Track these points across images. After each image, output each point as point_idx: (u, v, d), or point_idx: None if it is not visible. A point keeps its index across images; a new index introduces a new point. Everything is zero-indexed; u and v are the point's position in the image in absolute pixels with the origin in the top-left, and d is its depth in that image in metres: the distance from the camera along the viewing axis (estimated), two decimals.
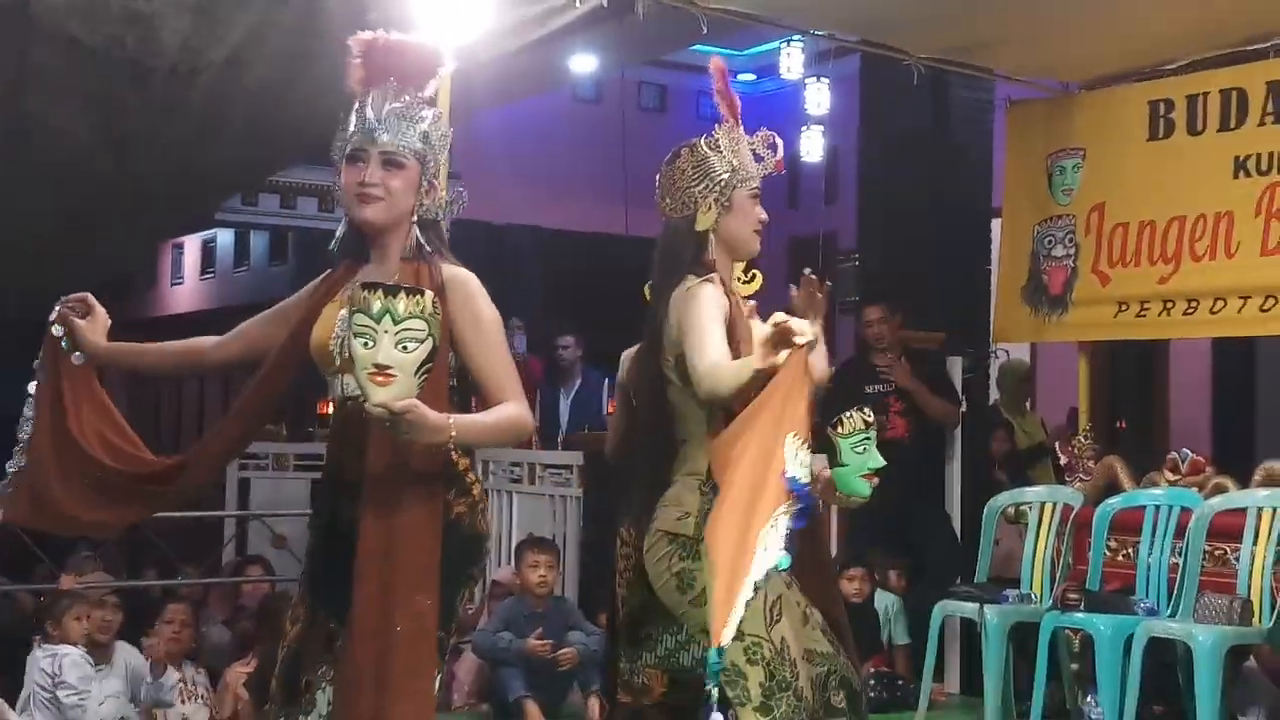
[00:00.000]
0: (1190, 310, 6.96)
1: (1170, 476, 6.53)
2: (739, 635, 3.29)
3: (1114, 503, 6.43)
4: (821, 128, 10.59)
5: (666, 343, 3.57)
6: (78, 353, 3.40)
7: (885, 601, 7.21)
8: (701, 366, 3.36)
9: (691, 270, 3.58)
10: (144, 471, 3.34)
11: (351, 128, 3.16)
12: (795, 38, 9.16)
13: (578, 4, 6.19)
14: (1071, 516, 6.50)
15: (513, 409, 3.06)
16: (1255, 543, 5.88)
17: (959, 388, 7.68)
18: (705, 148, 3.61)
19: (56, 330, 3.41)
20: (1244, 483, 6.27)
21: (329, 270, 3.30)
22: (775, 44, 9.76)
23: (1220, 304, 6.84)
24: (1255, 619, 5.72)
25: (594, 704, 6.42)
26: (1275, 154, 6.68)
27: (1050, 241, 7.53)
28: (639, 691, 4.27)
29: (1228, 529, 5.98)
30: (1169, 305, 7.06)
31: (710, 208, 3.59)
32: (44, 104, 6.17)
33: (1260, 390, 9.95)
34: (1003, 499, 6.96)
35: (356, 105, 3.18)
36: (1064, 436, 7.75)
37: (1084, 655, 6.11)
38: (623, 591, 4.33)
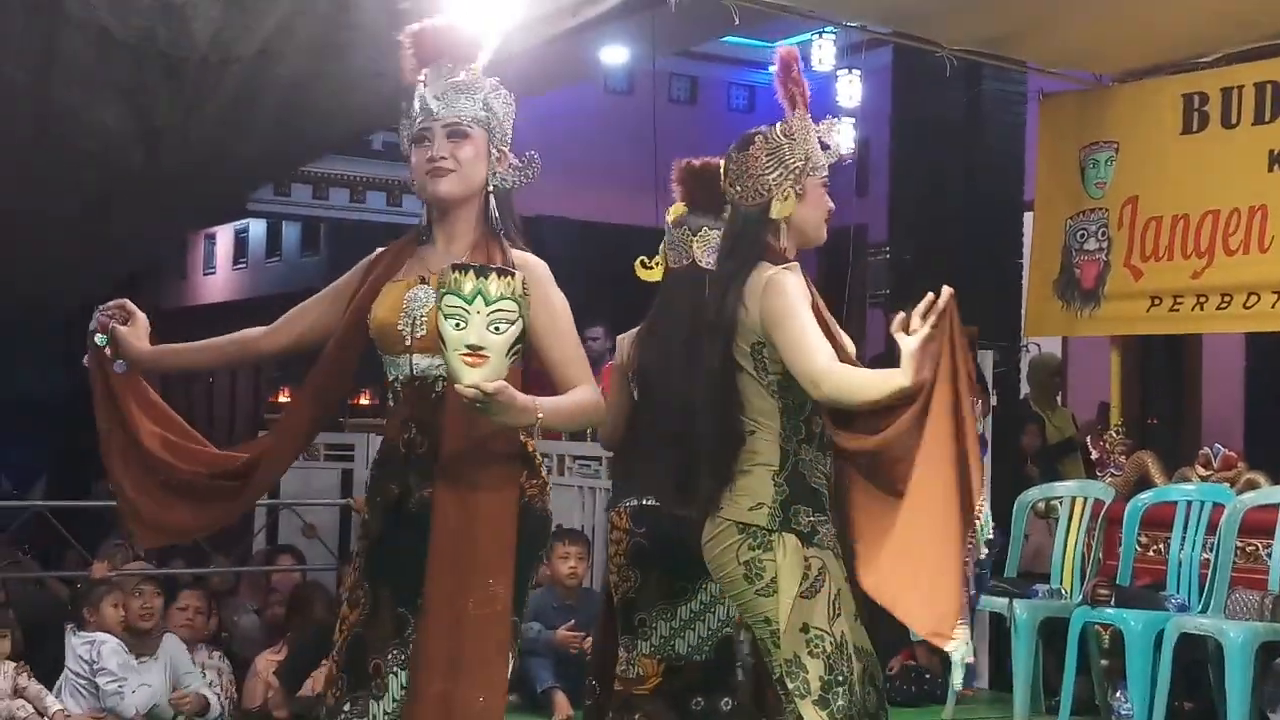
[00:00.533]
0: (1224, 305, 6.92)
1: (1202, 472, 6.49)
2: (804, 628, 3.39)
3: (1145, 498, 6.40)
4: (853, 120, 10.51)
5: (741, 330, 3.52)
6: (120, 361, 3.33)
7: None
8: (817, 366, 3.36)
9: (766, 258, 3.55)
10: (218, 470, 3.31)
11: (411, 113, 3.20)
12: (827, 29, 9.11)
13: None
14: (1102, 512, 6.47)
15: (589, 393, 3.11)
16: None
17: (989, 382, 7.64)
18: (780, 135, 3.60)
19: (99, 339, 3.34)
20: (1276, 478, 6.24)
21: (381, 249, 3.30)
22: (806, 36, 9.70)
23: (1254, 299, 6.80)
24: None
25: None
26: None
27: (1083, 235, 7.49)
28: (633, 680, 4.27)
29: (1260, 525, 5.95)
30: (1202, 300, 7.02)
31: (788, 195, 3.57)
32: (75, 95, 6.18)
33: None
34: (1033, 494, 6.93)
35: (415, 91, 3.21)
36: (1095, 431, 7.71)
37: (1114, 651, 6.08)
38: (614, 578, 4.39)
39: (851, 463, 3.45)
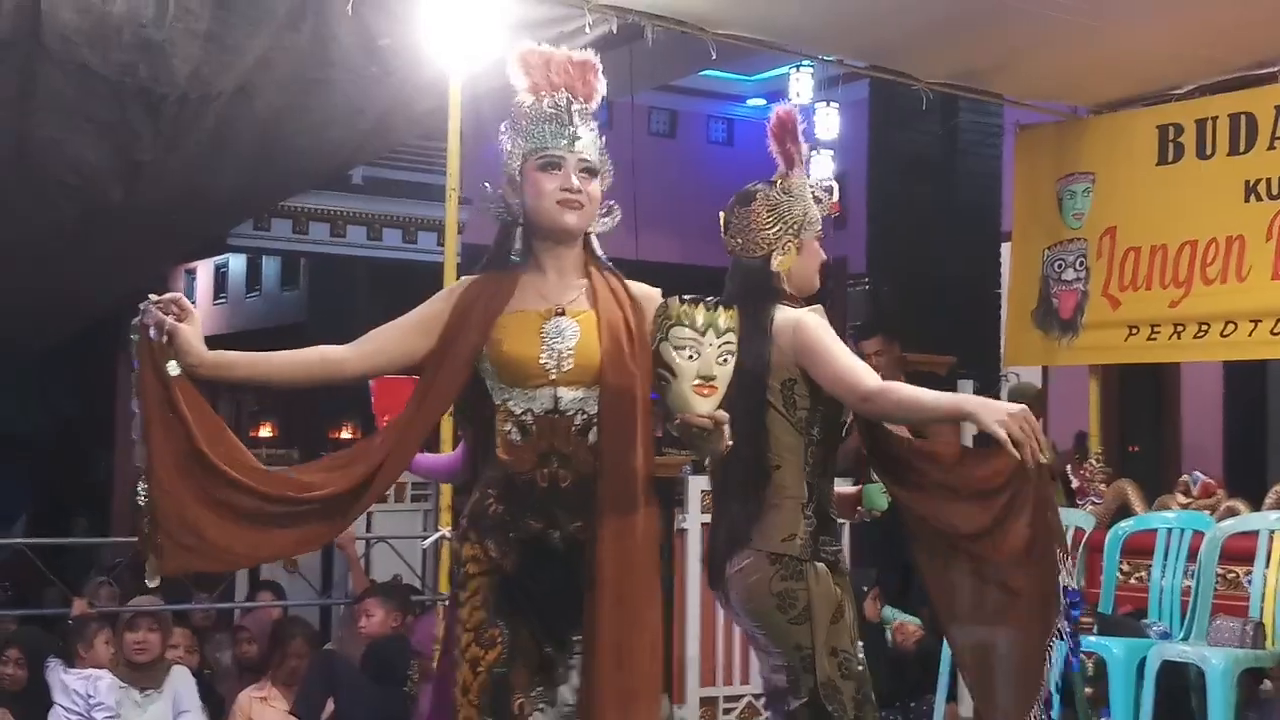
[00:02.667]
0: (1201, 334, 6.95)
1: (1182, 499, 6.52)
2: (833, 652, 3.63)
3: (1126, 526, 6.42)
4: (831, 152, 10.56)
5: (773, 369, 3.72)
6: (173, 362, 3.05)
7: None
8: (871, 385, 3.56)
9: (782, 302, 3.78)
10: (311, 496, 3.08)
11: (537, 136, 3.19)
12: (804, 63, 9.16)
13: (587, 30, 6.22)
14: (1083, 540, 6.48)
15: None
16: (1268, 565, 5.87)
17: None
18: (780, 193, 3.80)
19: (152, 334, 3.05)
20: (1256, 505, 6.26)
21: (468, 279, 3.27)
22: (784, 69, 9.76)
23: (1231, 327, 6.83)
24: (1269, 642, 5.71)
25: None
26: None
27: (1061, 265, 7.52)
28: None
29: (1240, 552, 5.97)
30: (1180, 329, 7.05)
31: (788, 250, 3.80)
32: (55, 131, 6.20)
33: (1271, 413, 9.92)
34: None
35: (534, 114, 3.22)
36: (1074, 461, 7.73)
37: (1097, 679, 6.09)
38: None
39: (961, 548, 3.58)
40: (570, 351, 3.11)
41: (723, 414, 2.92)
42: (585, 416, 3.10)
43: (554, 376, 3.11)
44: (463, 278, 3.30)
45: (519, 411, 3.13)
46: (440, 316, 3.18)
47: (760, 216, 3.74)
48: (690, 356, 2.89)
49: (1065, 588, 3.33)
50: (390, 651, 6.07)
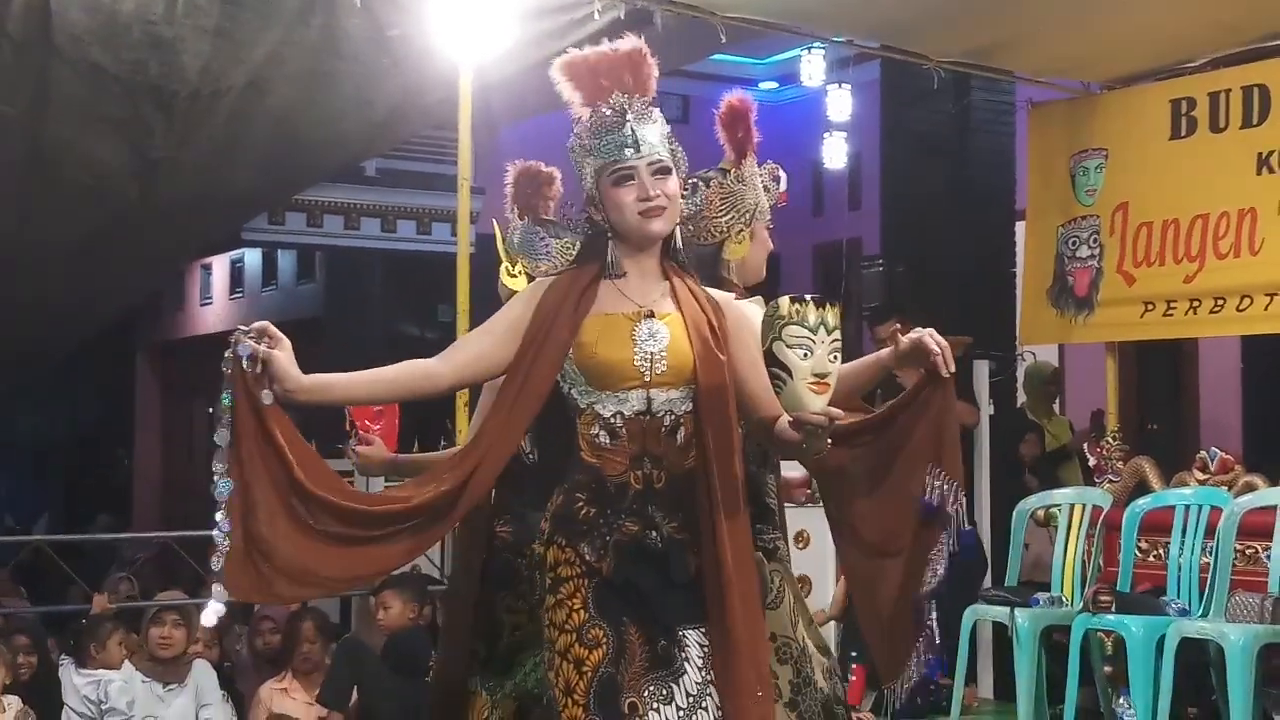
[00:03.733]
0: (1217, 309, 6.95)
1: (1199, 476, 6.51)
2: (771, 637, 3.50)
3: (1143, 503, 6.42)
4: (844, 134, 10.57)
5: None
6: (267, 391, 2.98)
7: None
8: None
9: (723, 290, 3.69)
10: (413, 506, 3.06)
11: (604, 151, 3.20)
12: (815, 45, 9.16)
13: (596, 16, 6.22)
14: (1101, 518, 6.48)
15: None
16: None
17: (986, 391, 7.66)
18: (733, 180, 3.70)
19: (246, 364, 2.98)
20: (1274, 480, 6.25)
21: (545, 281, 3.26)
22: (795, 51, 9.76)
23: (1247, 301, 6.82)
24: None
25: None
26: None
27: (1075, 242, 7.52)
28: None
29: (1258, 527, 5.96)
30: (1195, 304, 7.05)
31: (742, 240, 3.72)
32: (67, 130, 6.21)
33: None
34: (1031, 502, 6.95)
35: (595, 127, 3.22)
36: (1092, 438, 7.73)
37: (1116, 657, 6.09)
38: (514, 618, 4.01)
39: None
40: (663, 353, 3.13)
41: (835, 410, 2.96)
42: (674, 417, 3.13)
43: (648, 379, 3.13)
44: (538, 280, 3.29)
45: (608, 414, 3.14)
46: (522, 320, 3.17)
47: (713, 204, 3.64)
48: (804, 355, 2.92)
49: (934, 506, 3.18)
50: (411, 643, 6.09)
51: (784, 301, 2.94)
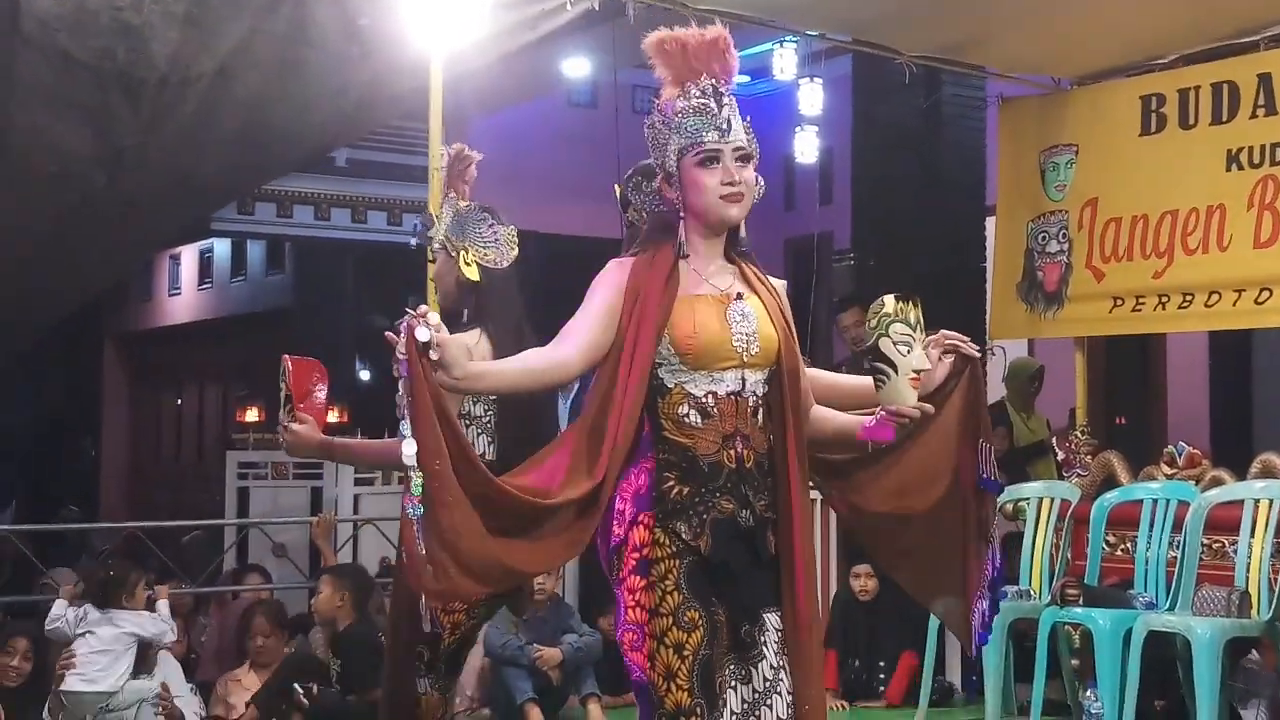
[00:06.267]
0: (1185, 304, 6.97)
1: (1167, 470, 6.53)
2: None
3: (1111, 497, 6.44)
4: (816, 128, 10.56)
5: None
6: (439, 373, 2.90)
7: None
8: None
9: None
10: (573, 497, 3.02)
11: (691, 131, 3.18)
12: (787, 39, 9.15)
13: (568, 7, 6.21)
14: (1069, 512, 6.50)
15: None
16: (1253, 534, 5.89)
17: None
18: None
19: (433, 354, 2.86)
20: (1240, 475, 6.27)
21: (624, 261, 3.21)
22: (768, 45, 9.73)
23: (1215, 297, 6.85)
24: (1254, 611, 5.73)
25: (594, 709, 6.46)
26: (1267, 146, 6.68)
27: (1044, 238, 7.54)
28: None
29: (1225, 521, 5.99)
30: (1164, 299, 7.07)
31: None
32: (35, 117, 6.18)
33: (1257, 383, 9.94)
34: (1000, 496, 6.95)
35: (683, 106, 3.20)
36: (1060, 433, 7.76)
37: (1084, 650, 6.11)
38: (451, 618, 3.90)
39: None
40: (755, 335, 3.17)
41: (929, 406, 3.13)
42: (757, 397, 3.17)
43: (744, 359, 3.16)
44: (613, 262, 3.24)
45: (700, 394, 3.15)
46: (615, 305, 3.15)
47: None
48: (906, 351, 3.06)
49: (990, 478, 3.36)
50: (353, 644, 5.95)
51: (890, 299, 3.08)
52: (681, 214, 3.22)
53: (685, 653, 3.05)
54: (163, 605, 6.15)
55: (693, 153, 3.18)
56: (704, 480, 3.12)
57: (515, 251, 4.05)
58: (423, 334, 2.85)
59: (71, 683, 5.83)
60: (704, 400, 3.14)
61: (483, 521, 2.91)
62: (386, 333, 2.90)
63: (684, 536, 3.10)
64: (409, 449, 2.83)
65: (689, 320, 3.14)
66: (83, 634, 5.89)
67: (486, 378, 3.12)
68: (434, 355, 2.87)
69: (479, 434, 3.87)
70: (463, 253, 4.01)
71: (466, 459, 2.93)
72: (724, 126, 3.18)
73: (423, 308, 2.92)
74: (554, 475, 3.05)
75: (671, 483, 3.12)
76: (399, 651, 3.94)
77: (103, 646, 5.89)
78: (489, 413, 3.89)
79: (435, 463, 2.85)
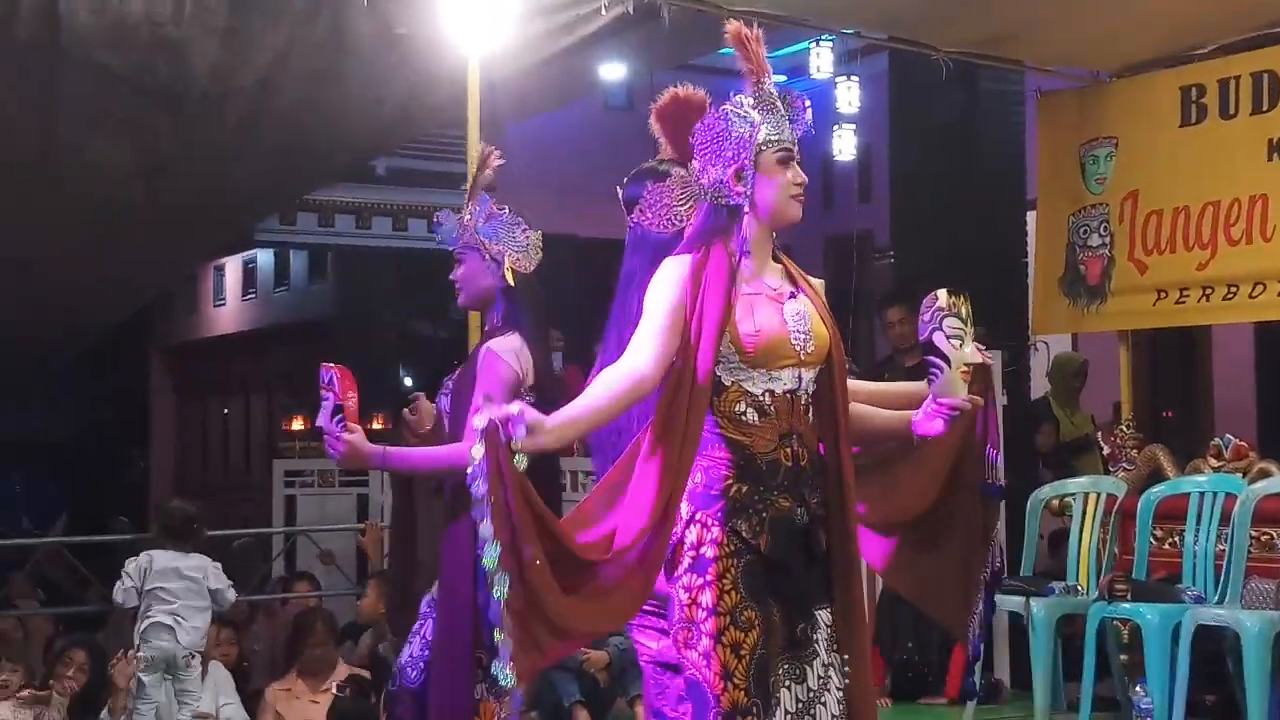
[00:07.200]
0: (1230, 295, 6.92)
1: (1214, 463, 6.49)
2: None
3: (1158, 491, 6.40)
4: (853, 126, 10.57)
5: None
6: (519, 456, 2.84)
7: None
8: None
9: None
10: (630, 544, 2.99)
11: (773, 126, 3.19)
12: (824, 37, 9.15)
13: (603, 11, 6.21)
14: (1115, 506, 6.47)
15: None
16: None
17: (1000, 381, 7.63)
18: (689, 172, 3.60)
19: (519, 434, 2.82)
20: None
21: (683, 260, 3.17)
22: (804, 44, 9.75)
23: (1260, 288, 6.80)
24: None
25: (641, 711, 6.46)
26: None
27: (1085, 231, 7.50)
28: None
29: (1273, 514, 5.95)
30: (1208, 291, 7.02)
31: None
32: (76, 132, 6.23)
33: None
34: (1045, 491, 6.93)
35: (763, 100, 3.20)
36: (1106, 427, 7.71)
37: (1132, 645, 6.08)
38: None
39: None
40: (810, 333, 3.18)
41: (979, 398, 3.21)
42: (808, 395, 3.19)
43: (802, 357, 3.17)
44: (669, 260, 3.21)
45: (758, 392, 3.15)
46: (680, 306, 3.13)
47: (675, 193, 3.55)
48: (958, 345, 3.13)
49: (994, 483, 3.42)
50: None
51: (943, 294, 3.15)
52: (746, 210, 3.19)
53: (742, 652, 3.05)
54: (216, 671, 6.22)
55: (774, 149, 3.19)
56: (762, 478, 3.12)
57: (539, 256, 4.08)
58: (521, 432, 2.81)
59: (158, 615, 5.87)
60: (761, 398, 3.14)
61: (560, 580, 2.88)
62: (472, 456, 2.81)
63: (743, 535, 3.09)
64: (491, 554, 2.80)
65: (749, 319, 3.13)
66: (152, 589, 5.92)
67: (579, 424, 3.05)
68: (537, 442, 2.85)
69: None
70: (509, 257, 4.04)
71: (546, 533, 2.88)
72: (792, 125, 3.21)
73: (516, 407, 2.84)
74: (620, 516, 3.03)
75: (730, 481, 3.12)
76: (455, 656, 3.93)
77: (175, 596, 5.93)
78: None
79: (518, 562, 2.82)
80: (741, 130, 3.17)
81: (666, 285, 3.15)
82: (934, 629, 7.00)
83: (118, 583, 5.99)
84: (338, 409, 3.78)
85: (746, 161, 3.16)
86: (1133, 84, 7.49)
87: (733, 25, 3.24)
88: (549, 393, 3.94)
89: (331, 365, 3.82)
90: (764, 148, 3.18)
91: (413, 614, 4.22)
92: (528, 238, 4.08)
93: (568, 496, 7.85)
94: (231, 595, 6.16)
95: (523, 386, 3.95)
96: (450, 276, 4.19)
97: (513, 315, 4.02)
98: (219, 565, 6.11)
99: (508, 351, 3.97)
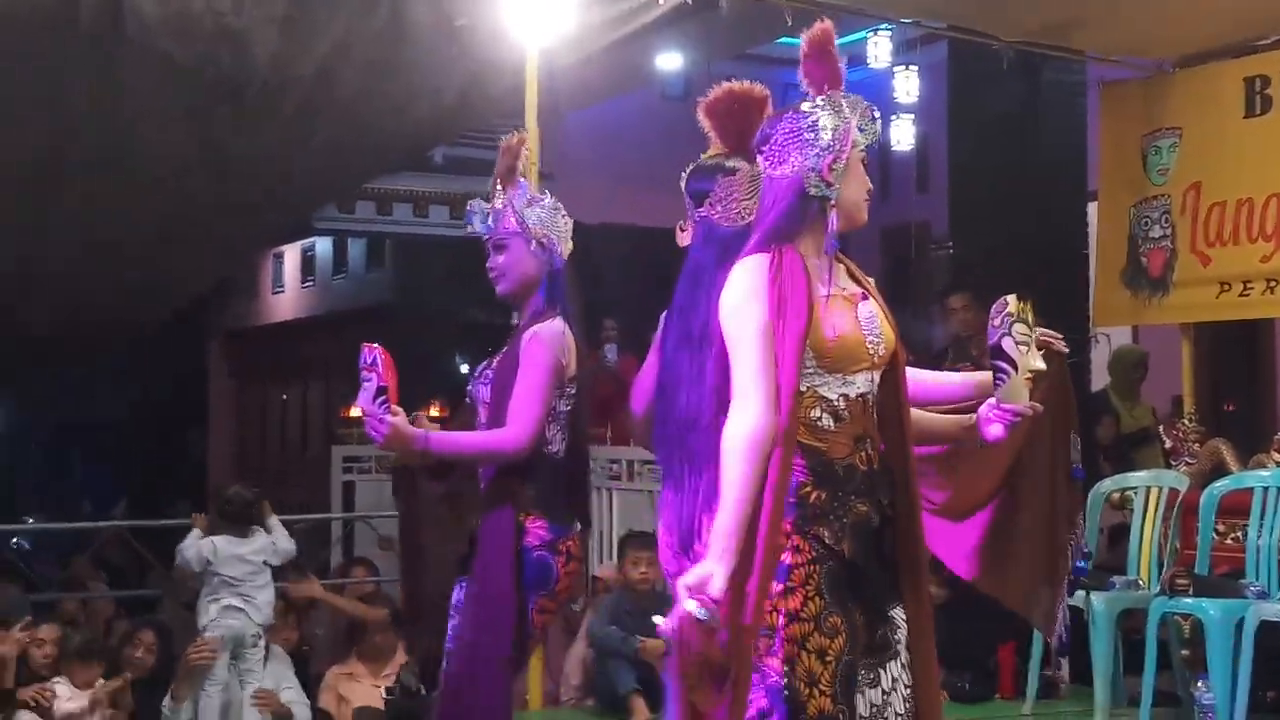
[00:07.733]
0: None
1: (1277, 457, 6.42)
2: None
3: (1221, 485, 6.33)
4: (912, 116, 10.50)
5: None
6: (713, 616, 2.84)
7: None
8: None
9: None
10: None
11: (865, 127, 3.15)
12: (882, 26, 9.10)
13: (660, 1, 6.21)
14: (1178, 500, 6.41)
15: None
16: None
17: None
18: (756, 167, 3.59)
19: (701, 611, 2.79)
20: None
21: (763, 259, 3.08)
22: (862, 34, 9.70)
23: None
24: None
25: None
26: None
27: (1147, 223, 7.44)
28: None
29: None
30: (1272, 284, 6.95)
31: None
32: (140, 121, 6.30)
33: None
34: (1107, 484, 6.88)
35: (852, 101, 3.15)
36: (1168, 420, 7.64)
37: (1194, 641, 6.02)
38: (544, 618, 3.92)
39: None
40: (881, 336, 3.13)
41: (1039, 405, 3.19)
42: (874, 398, 3.14)
43: (874, 361, 3.12)
44: (743, 266, 3.10)
45: (833, 396, 3.09)
46: (769, 321, 3.03)
47: (743, 187, 3.55)
48: (1024, 351, 3.11)
49: (1079, 468, 3.46)
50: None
51: (1012, 299, 3.11)
52: (833, 202, 3.11)
53: (829, 659, 3.01)
54: (278, 655, 6.30)
55: (859, 148, 3.15)
56: (840, 484, 3.06)
57: (571, 245, 4.10)
58: (704, 614, 2.80)
59: (227, 599, 5.98)
60: (836, 403, 3.08)
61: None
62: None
63: (826, 541, 3.03)
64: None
65: (826, 322, 3.06)
66: (217, 575, 6.03)
67: (740, 522, 2.92)
68: (718, 587, 2.81)
69: (557, 430, 3.91)
70: (562, 243, 4.04)
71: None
72: (863, 134, 3.15)
73: (693, 587, 2.80)
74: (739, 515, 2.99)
75: (809, 488, 3.05)
76: (491, 645, 3.83)
77: (240, 579, 6.05)
78: (566, 410, 3.93)
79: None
80: (839, 122, 3.10)
81: (752, 300, 3.05)
82: (974, 633, 6.89)
83: (186, 539, 6.12)
84: (381, 390, 3.67)
85: (844, 152, 3.09)
86: (1196, 74, 7.42)
87: (816, 31, 3.18)
88: (587, 380, 3.96)
89: (374, 345, 3.71)
90: (855, 146, 3.13)
91: (426, 616, 4.21)
92: (568, 223, 4.08)
93: (623, 486, 7.89)
94: (291, 545, 6.29)
95: (565, 376, 3.93)
96: (489, 265, 4.12)
97: (556, 299, 4.00)
98: (274, 520, 6.23)
99: (554, 339, 3.91)
